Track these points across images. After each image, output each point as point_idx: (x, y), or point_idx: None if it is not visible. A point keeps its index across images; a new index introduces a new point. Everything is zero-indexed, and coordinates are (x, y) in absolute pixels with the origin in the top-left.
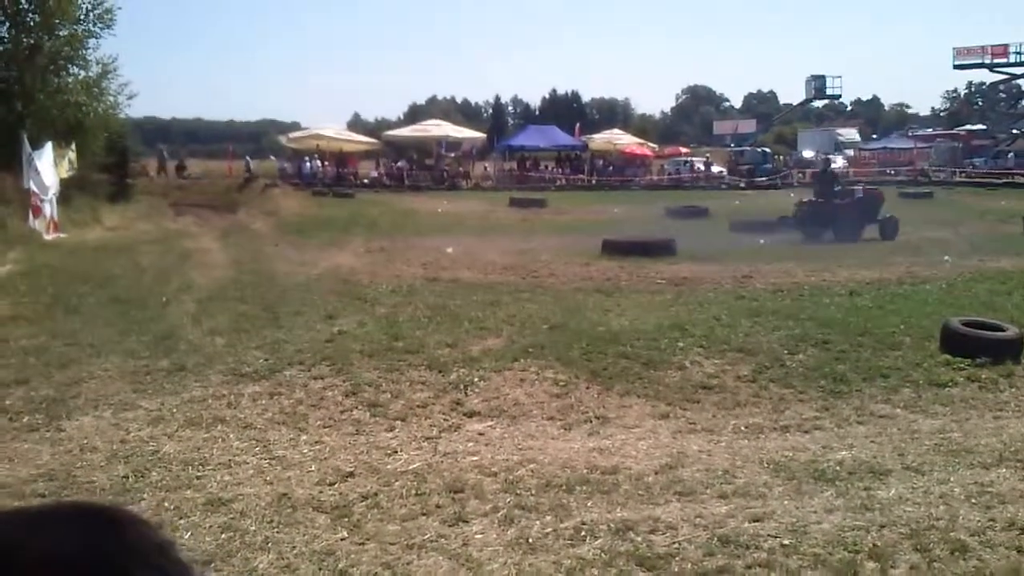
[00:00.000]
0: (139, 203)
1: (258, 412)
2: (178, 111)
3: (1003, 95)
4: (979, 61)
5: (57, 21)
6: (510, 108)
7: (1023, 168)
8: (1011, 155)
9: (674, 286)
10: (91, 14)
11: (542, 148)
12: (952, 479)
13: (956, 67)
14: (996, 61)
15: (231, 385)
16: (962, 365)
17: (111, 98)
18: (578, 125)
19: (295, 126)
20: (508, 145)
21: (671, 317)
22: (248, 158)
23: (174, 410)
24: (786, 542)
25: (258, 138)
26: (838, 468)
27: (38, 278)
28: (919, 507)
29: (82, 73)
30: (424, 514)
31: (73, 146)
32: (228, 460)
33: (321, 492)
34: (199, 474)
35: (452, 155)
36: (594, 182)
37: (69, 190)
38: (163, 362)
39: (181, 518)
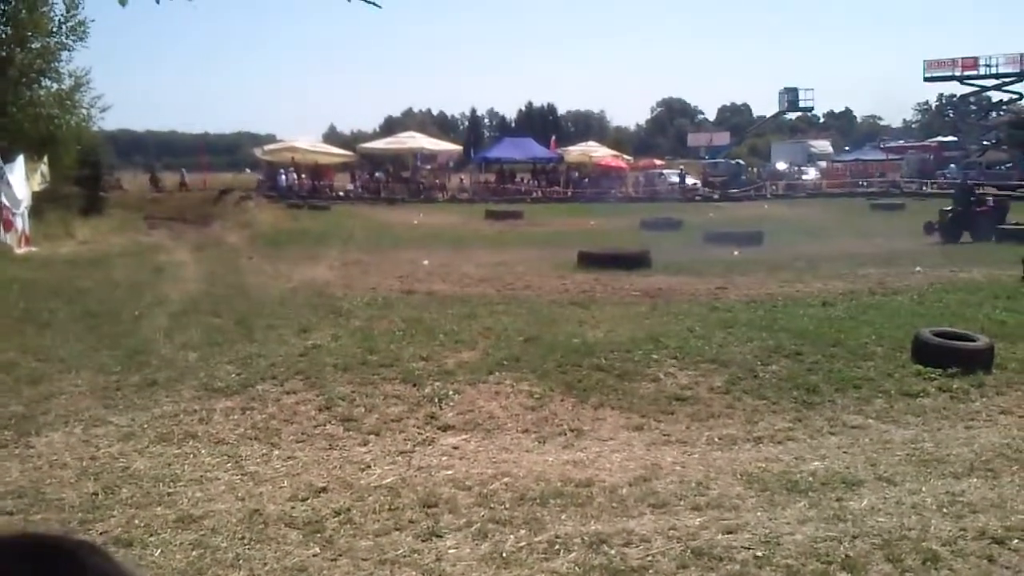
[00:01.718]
0: (112, 216)
1: (230, 427)
2: (153, 123)
3: (974, 107)
4: (950, 74)
5: (29, 34)
6: (486, 120)
7: (993, 178)
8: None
9: (649, 298)
10: (64, 26)
11: (518, 160)
12: (924, 489)
13: (927, 80)
14: (966, 73)
15: (203, 400)
16: (933, 375)
17: (84, 111)
18: (553, 137)
19: (270, 138)
20: (484, 157)
21: (645, 329)
22: (184, 170)
23: (145, 426)
24: (759, 553)
25: (233, 150)
26: (811, 479)
27: (8, 293)
28: (891, 517)
29: (55, 86)
30: (397, 529)
31: (45, 159)
32: (199, 476)
33: (293, 508)
34: (170, 490)
35: (428, 167)
36: (570, 194)
37: (41, 204)
38: (134, 377)
39: (151, 535)
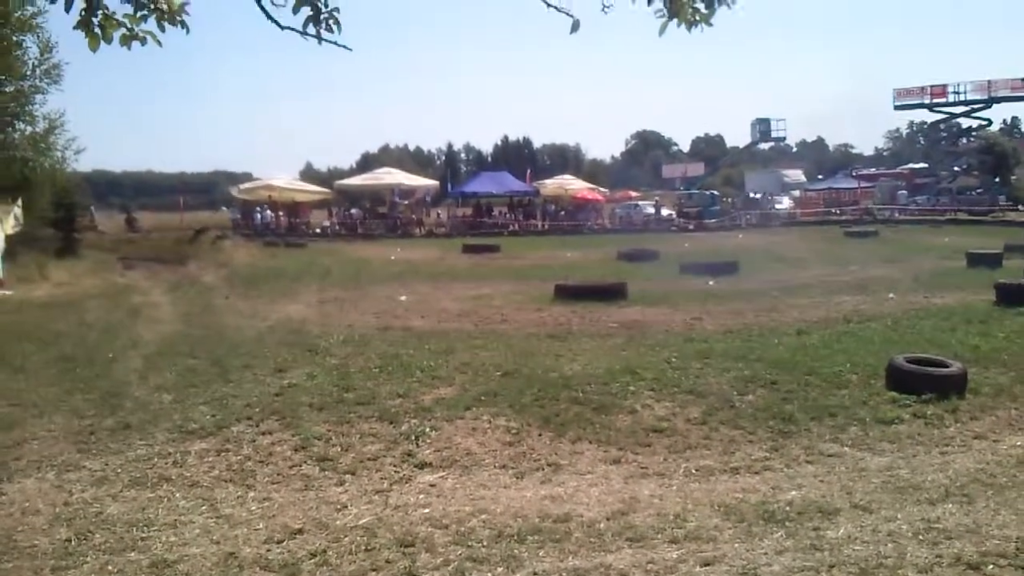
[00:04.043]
0: (87, 258)
1: (205, 470)
2: (128, 164)
3: (944, 134)
4: (919, 102)
5: (3, 77)
6: (462, 155)
7: (964, 204)
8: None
9: (625, 330)
10: (38, 70)
11: (495, 194)
12: (899, 516)
13: (897, 108)
14: (936, 101)
15: (177, 443)
16: (908, 402)
17: (58, 153)
18: (529, 171)
19: (247, 176)
20: (461, 192)
21: (622, 361)
22: (92, 208)
23: (118, 470)
24: None
25: (210, 189)
26: (788, 509)
27: None
28: (868, 546)
29: (29, 128)
30: (374, 570)
31: (19, 202)
32: (174, 520)
33: (269, 550)
34: (144, 535)
35: (405, 203)
36: (546, 227)
37: (15, 246)
38: (108, 420)
39: None
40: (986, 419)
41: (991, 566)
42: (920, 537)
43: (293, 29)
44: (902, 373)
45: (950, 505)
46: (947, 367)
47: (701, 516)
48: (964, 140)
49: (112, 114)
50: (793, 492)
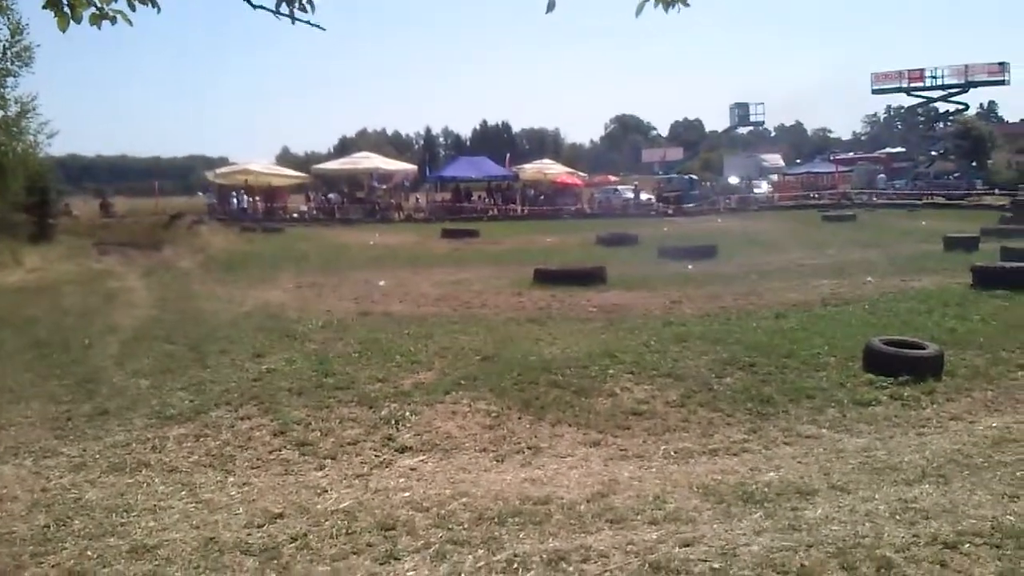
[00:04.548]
0: (61, 243)
1: (184, 455)
2: (103, 148)
3: (921, 118)
4: (897, 86)
5: None
6: (441, 139)
7: (941, 188)
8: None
9: (605, 313)
10: (8, 52)
11: (473, 179)
12: (877, 497)
13: (875, 92)
14: (913, 85)
15: (156, 428)
16: (885, 384)
17: (30, 137)
18: (508, 155)
19: (223, 161)
20: (440, 176)
21: (601, 344)
22: (67, 203)
23: (97, 456)
24: (716, 566)
25: (186, 174)
26: (766, 490)
27: None
28: (845, 526)
29: (0, 112)
30: (355, 553)
31: None
32: (153, 505)
33: (249, 535)
34: (123, 521)
35: (384, 187)
36: (526, 212)
37: None
38: (85, 406)
39: (104, 567)
40: (962, 400)
41: (967, 545)
42: (897, 517)
43: (265, 8)
44: (879, 355)
45: (927, 485)
46: (924, 349)
47: (680, 497)
48: (941, 124)
49: (86, 98)
50: (771, 473)
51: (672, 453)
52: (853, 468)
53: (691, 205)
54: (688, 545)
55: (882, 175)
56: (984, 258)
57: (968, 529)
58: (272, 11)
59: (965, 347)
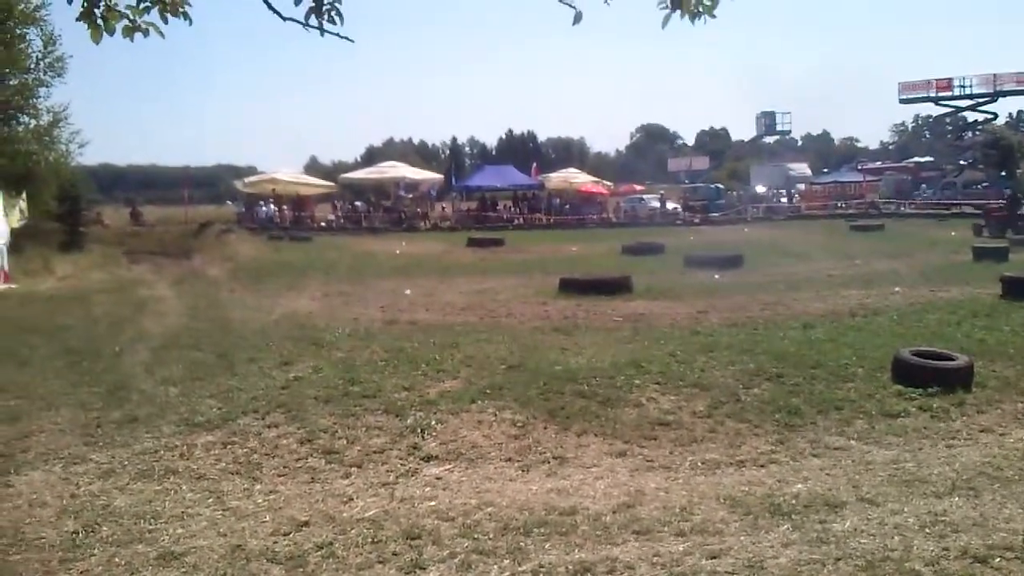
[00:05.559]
0: (92, 252)
1: (211, 462)
2: (133, 158)
3: (949, 127)
4: (924, 95)
5: (7, 70)
6: (467, 149)
7: (970, 198)
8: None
9: (631, 323)
10: (41, 63)
11: (499, 188)
12: (906, 509)
13: (902, 101)
14: (941, 95)
15: (184, 435)
16: (914, 395)
17: (62, 146)
18: (534, 165)
19: (251, 170)
20: (465, 185)
21: (628, 354)
22: (98, 212)
23: (125, 462)
24: None
25: (215, 183)
26: (794, 501)
27: None
28: (874, 539)
29: (33, 122)
30: (380, 562)
31: (24, 195)
32: (180, 512)
33: (276, 543)
34: (151, 528)
35: (410, 196)
36: (551, 221)
37: (20, 240)
38: (115, 413)
39: (132, 573)
40: (992, 412)
41: (998, 559)
42: (926, 530)
43: (295, 20)
44: (908, 366)
45: (956, 498)
46: (953, 360)
47: (707, 509)
48: (970, 134)
49: (118, 108)
50: (799, 485)
51: (699, 464)
52: (882, 480)
53: (717, 214)
54: (715, 557)
55: (923, 184)
56: (1014, 268)
57: (999, 543)
58: (301, 23)
59: (995, 358)
